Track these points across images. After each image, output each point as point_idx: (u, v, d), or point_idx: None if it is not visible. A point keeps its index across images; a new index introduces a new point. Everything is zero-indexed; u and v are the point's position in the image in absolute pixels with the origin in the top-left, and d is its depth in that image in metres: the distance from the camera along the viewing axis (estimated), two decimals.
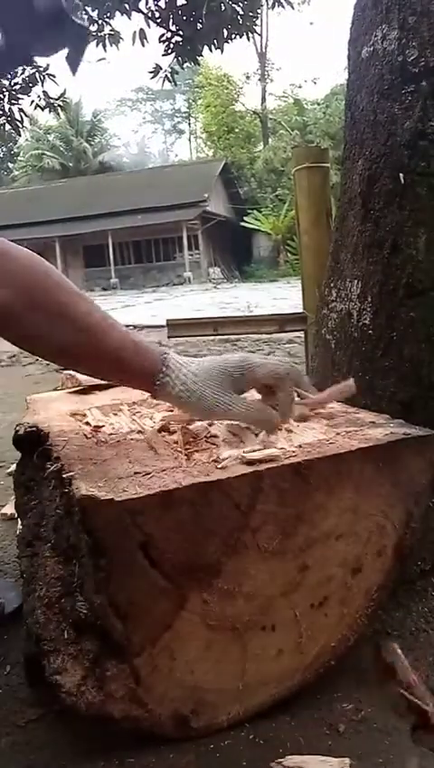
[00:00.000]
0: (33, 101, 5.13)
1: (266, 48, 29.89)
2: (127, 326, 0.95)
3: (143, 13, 4.32)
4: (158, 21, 4.33)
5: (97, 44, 4.58)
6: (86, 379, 1.26)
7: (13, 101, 5.00)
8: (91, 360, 0.91)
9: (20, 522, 1.14)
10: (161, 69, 4.66)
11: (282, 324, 2.43)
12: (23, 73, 4.88)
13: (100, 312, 0.89)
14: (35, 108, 5.28)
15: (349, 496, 0.87)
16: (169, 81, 4.76)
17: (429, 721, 0.90)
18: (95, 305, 0.90)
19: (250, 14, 4.28)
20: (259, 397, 0.94)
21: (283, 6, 4.69)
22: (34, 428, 1.06)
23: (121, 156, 35.21)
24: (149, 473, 0.80)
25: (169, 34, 4.38)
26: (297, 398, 0.97)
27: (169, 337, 2.65)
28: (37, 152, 31.59)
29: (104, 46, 4.60)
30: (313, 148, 2.79)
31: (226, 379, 0.89)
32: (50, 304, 0.85)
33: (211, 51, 4.35)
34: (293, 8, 4.85)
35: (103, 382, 1.16)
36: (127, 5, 4.27)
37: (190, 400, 0.89)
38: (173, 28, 4.35)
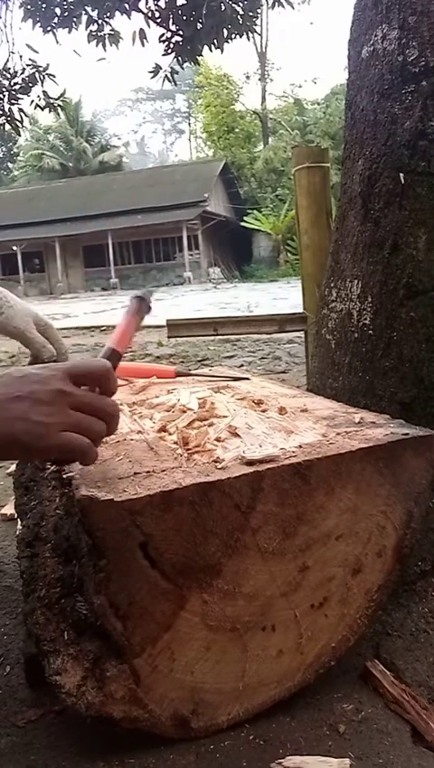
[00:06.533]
0: (32, 101, 5.13)
1: (266, 48, 29.95)
2: None
3: (143, 13, 4.33)
4: (158, 21, 4.33)
5: (97, 44, 4.58)
6: None
7: (13, 101, 5.00)
8: None
9: (20, 522, 1.14)
10: (161, 69, 4.66)
11: (282, 324, 2.43)
12: (22, 73, 4.88)
13: None
14: (35, 108, 5.28)
15: (349, 496, 0.87)
16: (169, 81, 4.76)
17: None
18: None
19: (250, 13, 4.28)
20: None
21: (283, 6, 4.69)
22: None
23: (121, 156, 35.18)
24: (149, 473, 0.80)
25: (169, 34, 4.38)
26: None
27: (169, 337, 2.65)
28: (37, 152, 31.61)
29: (104, 46, 4.60)
30: (313, 148, 2.79)
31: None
32: None
33: (211, 50, 4.35)
34: (293, 8, 4.84)
35: None
36: (127, 5, 4.27)
37: None
38: (173, 28, 4.35)
